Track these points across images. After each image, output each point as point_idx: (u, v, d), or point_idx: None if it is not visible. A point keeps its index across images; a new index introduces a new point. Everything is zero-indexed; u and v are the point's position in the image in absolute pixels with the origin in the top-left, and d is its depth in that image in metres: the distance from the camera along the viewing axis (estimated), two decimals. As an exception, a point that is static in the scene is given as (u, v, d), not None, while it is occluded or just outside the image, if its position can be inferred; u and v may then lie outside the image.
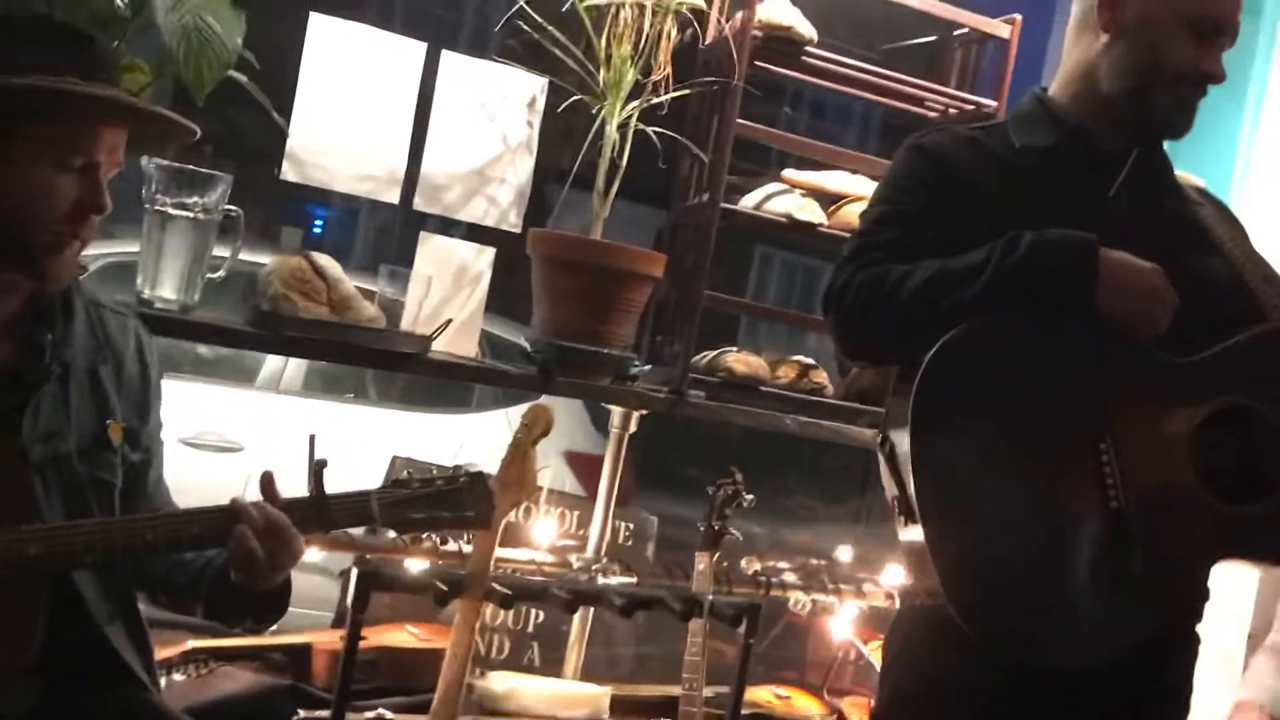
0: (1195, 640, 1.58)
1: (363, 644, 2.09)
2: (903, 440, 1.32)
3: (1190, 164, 3.01)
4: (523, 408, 4.68)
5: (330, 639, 2.27)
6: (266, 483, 1.53)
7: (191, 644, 2.19)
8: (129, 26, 1.91)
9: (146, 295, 2.02)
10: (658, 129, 2.42)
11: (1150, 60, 1.46)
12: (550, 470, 4.00)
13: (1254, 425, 1.35)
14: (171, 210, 2.00)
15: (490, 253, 2.43)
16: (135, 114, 1.50)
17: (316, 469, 1.52)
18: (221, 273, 2.10)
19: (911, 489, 1.29)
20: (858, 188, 2.58)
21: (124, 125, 1.49)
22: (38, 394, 1.48)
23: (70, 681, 1.47)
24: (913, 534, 1.30)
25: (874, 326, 1.39)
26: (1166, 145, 3.18)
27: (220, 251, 2.11)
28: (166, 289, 2.02)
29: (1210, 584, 3.03)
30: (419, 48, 2.37)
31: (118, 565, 1.53)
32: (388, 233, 11.88)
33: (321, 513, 1.53)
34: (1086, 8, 1.52)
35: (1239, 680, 2.92)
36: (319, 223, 12.24)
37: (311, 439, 1.54)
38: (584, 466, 4.56)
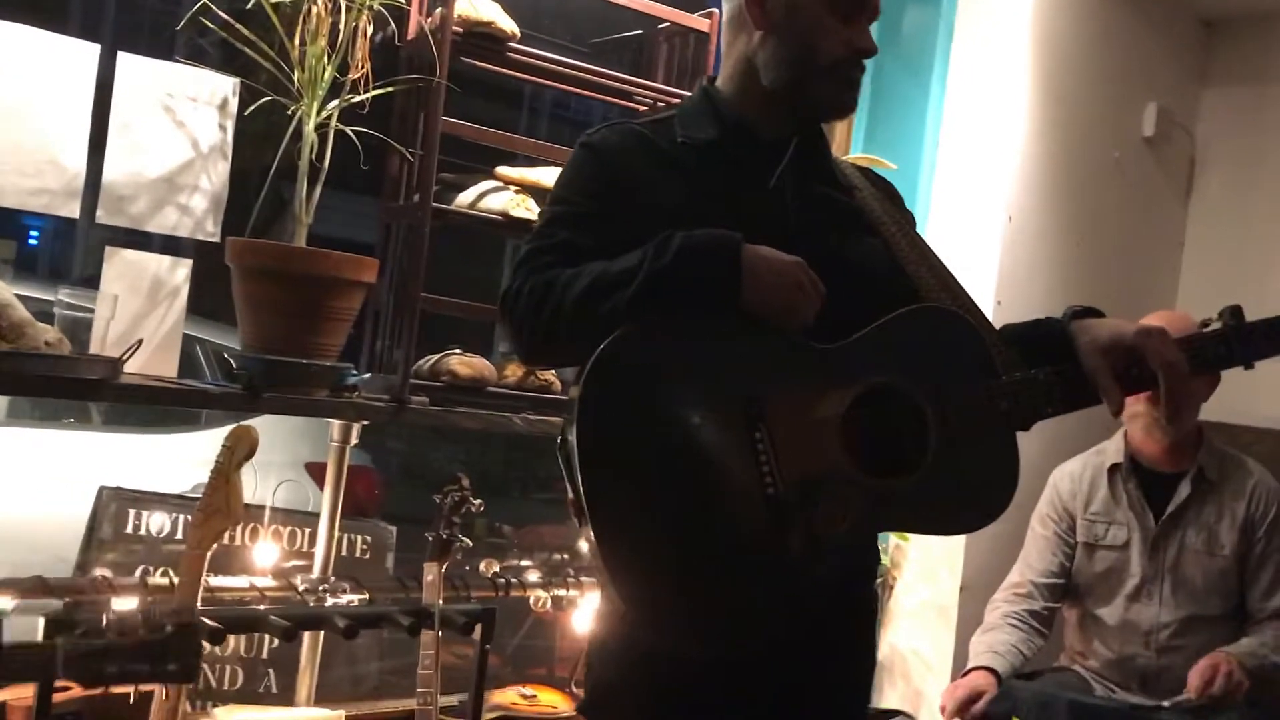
0: (872, 602, 1.68)
1: (67, 695, 1.94)
2: (571, 444, 1.33)
3: (884, 147, 3.20)
4: (259, 420, 4.52)
5: (22, 694, 2.09)
6: None
7: None
8: None
9: None
10: (360, 129, 2.34)
11: (803, 51, 1.51)
12: (292, 485, 3.86)
13: (899, 404, 1.43)
14: None
15: (187, 265, 2.30)
16: None
17: None
18: None
19: (581, 490, 1.31)
20: (572, 183, 2.58)
21: None
22: None
23: None
24: (587, 534, 1.32)
25: (543, 333, 1.40)
26: (860, 131, 3.34)
27: None
28: None
29: (916, 539, 3.23)
30: (92, 49, 2.20)
31: None
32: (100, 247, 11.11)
33: None
34: (735, 6, 1.57)
35: (955, 627, 3.14)
36: (34, 234, 11.32)
37: None
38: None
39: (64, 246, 11.31)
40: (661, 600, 1.34)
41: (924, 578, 3.22)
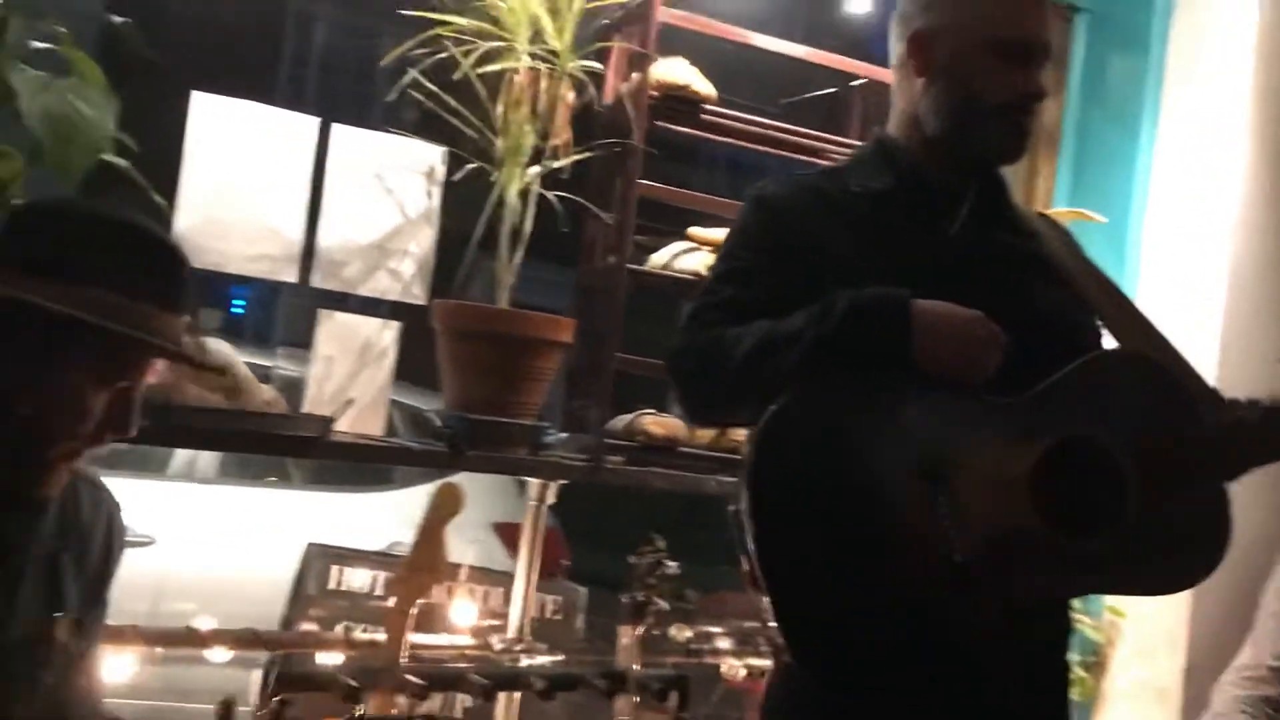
0: (1065, 673, 1.57)
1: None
2: (744, 514, 1.30)
3: (1090, 199, 3.06)
4: (454, 478, 4.63)
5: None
6: None
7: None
8: (-4, 114, 1.84)
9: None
10: (560, 193, 2.38)
11: (966, 97, 1.46)
12: (478, 545, 3.92)
13: (1090, 457, 1.33)
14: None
15: (395, 327, 2.37)
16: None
17: None
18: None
19: (755, 557, 1.27)
20: (766, 242, 2.56)
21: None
22: None
23: None
24: (763, 601, 1.28)
25: (709, 394, 1.39)
26: (1063, 183, 3.21)
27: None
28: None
29: (1133, 612, 3.02)
30: (311, 122, 2.32)
31: None
32: (308, 314, 11.69)
33: None
34: (900, 55, 1.53)
35: (1179, 713, 2.90)
36: (239, 302, 12.04)
37: None
38: (514, 537, 4.47)
39: (266, 315, 11.97)
40: (841, 666, 1.28)
41: (1141, 655, 2.99)
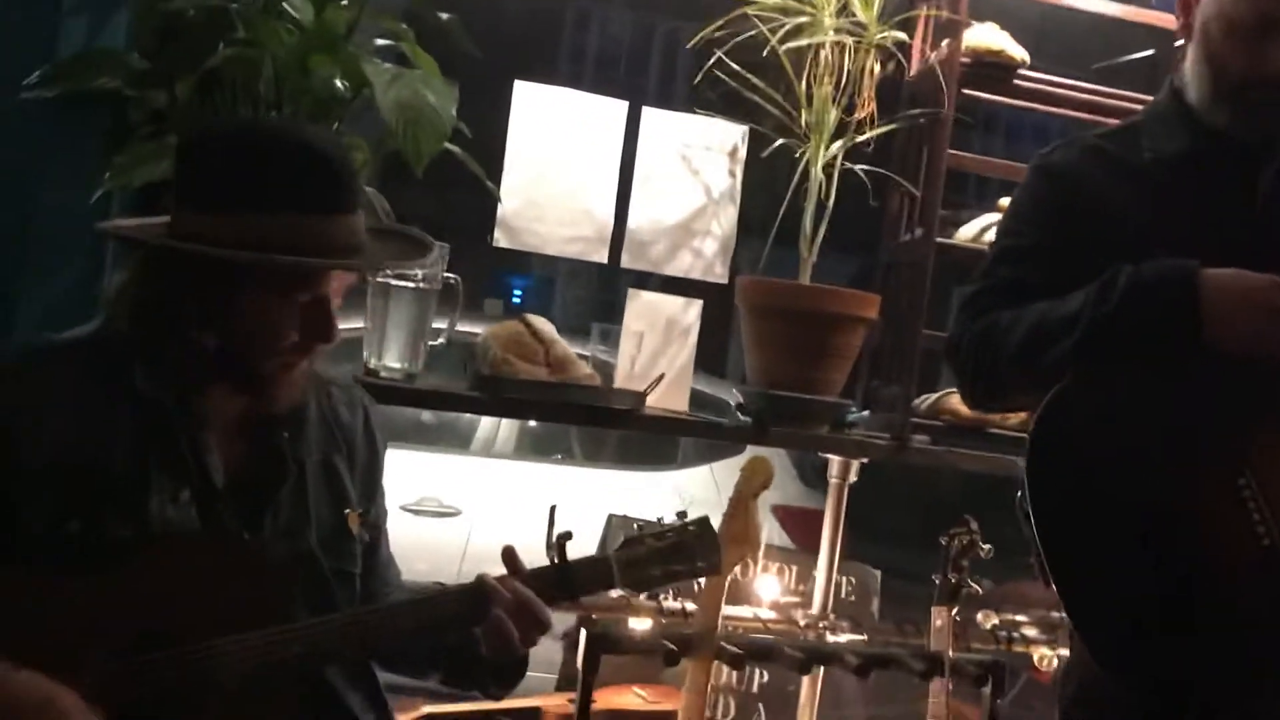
0: None
1: (592, 707, 2.06)
2: (1027, 503, 1.23)
3: None
4: (728, 463, 4.67)
5: (559, 702, 2.26)
6: (509, 557, 1.52)
7: (427, 709, 2.21)
8: (349, 108, 1.99)
9: (373, 365, 2.07)
10: (865, 167, 2.35)
11: (1211, 70, 1.34)
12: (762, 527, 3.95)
13: None
14: (393, 281, 2.05)
15: (698, 305, 2.41)
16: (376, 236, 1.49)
17: (559, 542, 1.51)
18: (443, 339, 2.13)
19: (1041, 548, 1.21)
20: (1081, 213, 2.44)
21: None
22: (278, 494, 1.49)
23: None
24: (1054, 592, 1.22)
25: (986, 382, 1.33)
26: None
27: (439, 320, 2.15)
28: (392, 358, 2.07)
29: None
30: (620, 106, 2.39)
31: (376, 656, 1.54)
32: (583, 299, 12.13)
33: (565, 583, 1.52)
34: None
35: None
36: (518, 293, 12.62)
37: (552, 510, 1.55)
38: (793, 521, 4.46)
39: (542, 303, 12.51)
40: (1144, 662, 1.20)
41: None
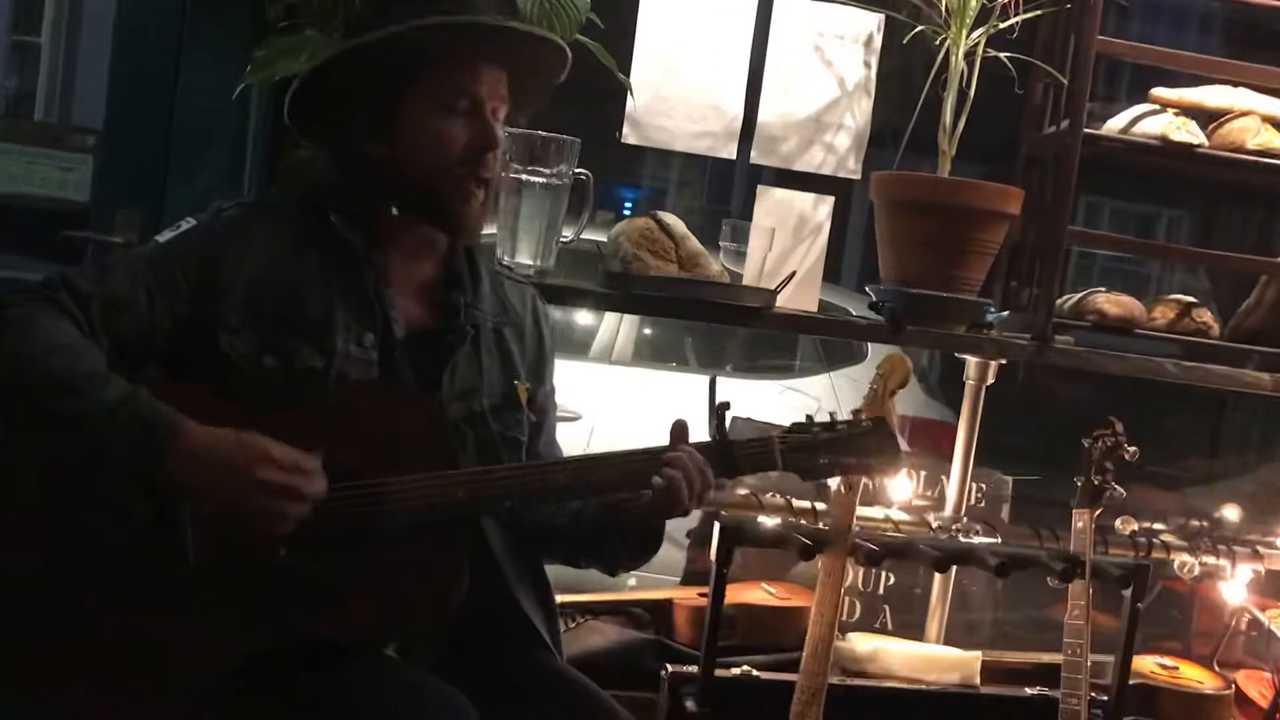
0: None
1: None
2: None
3: None
4: (848, 371, 4.62)
5: (689, 595, 2.28)
6: (680, 430, 1.53)
7: (559, 598, 2.24)
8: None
9: (506, 262, 2.07)
10: (1008, 54, 2.25)
11: None
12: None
13: None
14: (525, 177, 2.04)
15: (829, 202, 2.34)
16: (509, 41, 1.52)
17: (719, 411, 1.51)
18: (574, 235, 2.12)
19: None
20: (1241, 102, 2.29)
21: (498, 61, 1.52)
22: (455, 354, 1.54)
23: (474, 636, 1.52)
24: None
25: None
26: None
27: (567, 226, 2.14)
28: (524, 255, 2.07)
29: None
30: (752, -6, 2.32)
31: (534, 505, 1.58)
32: (693, 212, 12.04)
33: (727, 458, 1.52)
34: None
35: None
36: (628, 205, 12.57)
37: (712, 381, 1.55)
38: (916, 431, 4.40)
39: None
40: None
41: None
